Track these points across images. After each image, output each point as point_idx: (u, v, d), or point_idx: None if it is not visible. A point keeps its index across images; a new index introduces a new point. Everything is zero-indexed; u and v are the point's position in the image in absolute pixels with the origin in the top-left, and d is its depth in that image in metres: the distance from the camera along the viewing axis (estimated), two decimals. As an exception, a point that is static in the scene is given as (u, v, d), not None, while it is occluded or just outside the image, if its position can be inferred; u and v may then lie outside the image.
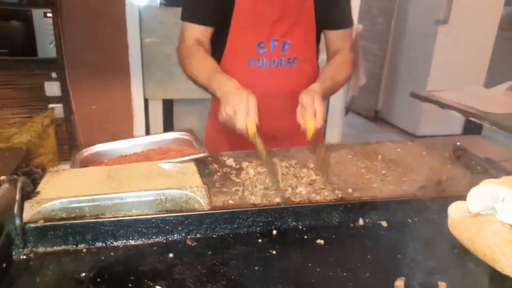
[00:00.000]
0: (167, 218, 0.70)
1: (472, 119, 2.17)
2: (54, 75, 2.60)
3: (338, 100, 3.15)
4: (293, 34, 1.37)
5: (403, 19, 4.68)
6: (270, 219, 0.75)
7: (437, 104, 2.38)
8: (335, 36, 1.48)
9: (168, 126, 3.03)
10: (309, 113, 1.10)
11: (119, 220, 0.68)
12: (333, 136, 3.23)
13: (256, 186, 1.03)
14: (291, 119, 1.37)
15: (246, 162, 1.17)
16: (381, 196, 0.99)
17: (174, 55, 2.84)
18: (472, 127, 2.31)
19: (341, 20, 1.46)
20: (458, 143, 1.42)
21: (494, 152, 1.40)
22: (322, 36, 1.51)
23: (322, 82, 1.26)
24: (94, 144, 1.30)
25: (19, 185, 0.68)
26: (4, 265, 0.60)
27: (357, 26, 3.04)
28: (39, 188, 0.97)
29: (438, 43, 4.20)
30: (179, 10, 2.83)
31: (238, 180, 1.11)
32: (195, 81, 1.35)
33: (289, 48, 1.38)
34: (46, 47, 2.54)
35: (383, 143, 1.49)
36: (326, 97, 1.32)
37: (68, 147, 2.72)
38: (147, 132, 2.90)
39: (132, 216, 0.70)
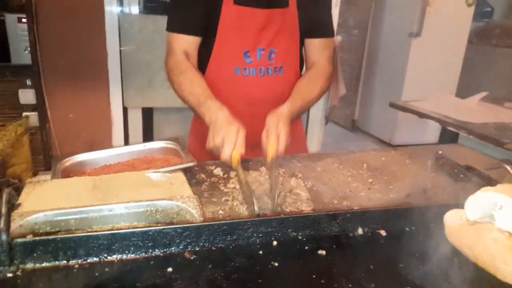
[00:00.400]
0: (165, 230, 0.67)
1: (450, 128, 2.22)
2: (29, 82, 2.50)
3: (318, 110, 3.17)
4: (279, 42, 1.37)
5: (378, 31, 4.80)
6: (270, 229, 0.73)
7: (415, 114, 2.43)
8: (314, 45, 1.46)
9: (148, 134, 2.97)
10: (272, 137, 1.09)
11: (113, 234, 0.64)
12: (313, 144, 3.24)
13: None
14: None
15: (234, 172, 1.15)
16: (370, 204, 0.99)
17: (154, 63, 2.81)
18: (447, 136, 2.37)
19: (320, 29, 1.45)
20: (440, 152, 1.45)
21: (472, 160, 1.44)
22: None
23: (292, 103, 1.25)
24: (70, 153, 1.25)
25: (4, 197, 0.63)
26: (-10, 284, 0.55)
27: (335, 38, 3.08)
28: (20, 200, 0.92)
29: (412, 54, 4.32)
30: (158, 18, 2.81)
31: (226, 189, 1.09)
32: (183, 101, 1.33)
33: (275, 57, 1.38)
34: (20, 53, 2.45)
35: (367, 151, 1.50)
36: (296, 116, 1.31)
37: (43, 156, 2.61)
38: (126, 141, 2.82)
39: (128, 229, 0.67)
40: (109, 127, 2.72)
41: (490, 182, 1.16)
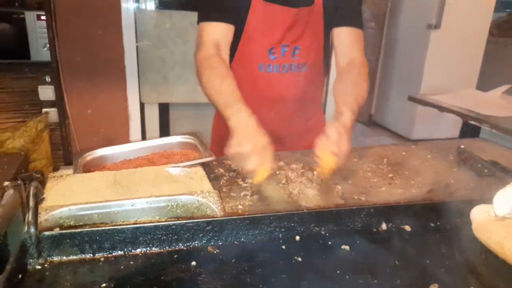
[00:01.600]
0: (188, 224, 0.67)
1: (472, 122, 2.18)
2: (48, 78, 2.54)
3: (332, 108, 3.14)
4: (303, 40, 1.36)
5: (395, 24, 4.72)
6: (292, 224, 0.72)
7: (435, 107, 2.39)
8: (344, 36, 1.39)
9: (164, 129, 2.99)
10: (330, 150, 1.00)
11: (138, 227, 0.64)
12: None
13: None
14: (298, 122, 1.35)
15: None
16: (392, 200, 0.97)
17: (170, 59, 2.82)
18: (469, 130, 2.31)
19: (350, 18, 1.37)
20: (462, 146, 1.42)
21: (496, 154, 1.40)
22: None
23: (352, 112, 1.13)
24: (91, 148, 1.26)
25: (32, 191, 0.64)
26: (20, 276, 0.56)
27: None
28: (44, 194, 0.93)
29: (431, 47, 4.23)
30: (174, 13, 2.82)
31: (245, 184, 1.09)
32: (208, 98, 1.26)
33: (299, 54, 1.37)
34: (40, 51, 2.48)
35: (387, 146, 1.48)
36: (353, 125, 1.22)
37: (63, 152, 2.65)
38: (143, 136, 2.85)
39: (152, 222, 0.67)
40: (126, 122, 2.75)
41: None
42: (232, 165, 1.17)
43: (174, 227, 0.66)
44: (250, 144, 0.98)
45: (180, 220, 0.67)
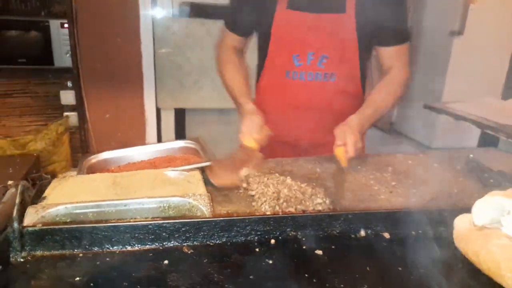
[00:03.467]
0: (164, 224, 0.69)
1: (488, 131, 2.13)
2: (69, 84, 2.65)
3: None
4: (331, 48, 1.35)
5: (417, 30, 4.64)
6: (268, 228, 0.74)
7: (451, 116, 2.35)
8: (386, 53, 1.40)
9: (180, 135, 3.05)
10: (339, 144, 1.18)
11: (115, 226, 0.68)
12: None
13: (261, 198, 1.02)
14: (324, 133, 1.32)
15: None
16: (385, 207, 0.97)
17: (186, 65, 2.89)
18: (488, 140, 2.26)
19: (391, 36, 1.37)
20: (471, 156, 1.40)
21: (508, 165, 1.37)
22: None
23: (361, 112, 1.29)
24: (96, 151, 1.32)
25: (19, 189, 0.68)
26: (1, 267, 0.60)
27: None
28: (45, 194, 0.98)
29: (453, 54, 4.14)
30: (190, 21, 2.88)
31: (241, 190, 1.10)
32: (225, 88, 1.49)
33: (326, 63, 1.36)
34: (62, 57, 2.60)
35: (394, 154, 1.47)
36: (368, 124, 1.32)
37: (81, 155, 2.75)
38: (159, 141, 2.92)
39: (129, 222, 0.70)
40: (143, 127, 2.83)
41: None
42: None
43: (151, 226, 0.69)
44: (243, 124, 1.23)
45: (156, 220, 0.70)
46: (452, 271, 0.71)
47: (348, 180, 1.19)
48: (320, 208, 0.95)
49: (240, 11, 1.45)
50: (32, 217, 0.84)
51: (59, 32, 2.58)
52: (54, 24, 2.57)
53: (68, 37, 2.53)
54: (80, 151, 2.73)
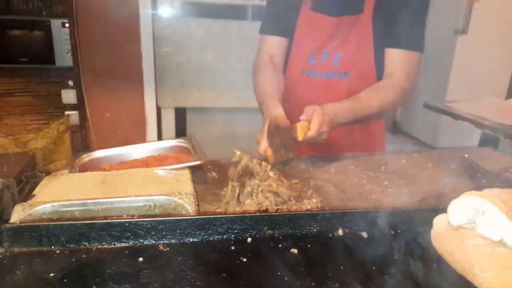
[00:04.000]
0: (141, 222, 0.70)
1: (486, 131, 2.11)
2: (70, 83, 2.68)
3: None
4: (346, 48, 1.37)
5: (421, 29, 4.61)
6: (245, 226, 0.75)
7: (450, 116, 2.33)
8: (392, 56, 1.36)
9: (181, 134, 3.07)
10: (302, 118, 1.14)
11: (92, 223, 0.69)
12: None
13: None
14: (339, 131, 1.32)
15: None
16: (365, 206, 0.98)
17: (186, 65, 2.90)
18: (489, 140, 2.24)
19: (400, 40, 1.34)
20: (466, 155, 1.39)
21: (504, 165, 1.36)
22: None
23: (340, 104, 1.26)
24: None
25: (-1, 187, 0.70)
26: (-23, 263, 0.61)
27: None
28: (35, 192, 1.00)
29: (457, 53, 4.12)
30: (190, 21, 2.90)
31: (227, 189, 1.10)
32: (257, 95, 1.47)
33: (340, 62, 1.39)
34: (64, 56, 2.63)
35: (387, 154, 1.46)
36: (341, 120, 1.28)
37: (82, 153, 2.78)
38: (159, 140, 2.94)
39: (106, 220, 0.71)
40: (143, 126, 2.85)
41: None
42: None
43: (127, 224, 0.70)
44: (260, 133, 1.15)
45: (133, 219, 0.71)
46: (427, 271, 0.71)
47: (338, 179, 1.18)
48: (309, 207, 0.95)
49: (275, 13, 1.50)
50: (19, 214, 0.85)
51: (60, 31, 2.60)
52: (55, 23, 2.60)
53: (69, 36, 2.55)
54: (81, 149, 2.76)
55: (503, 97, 3.65)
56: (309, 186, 1.11)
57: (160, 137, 2.95)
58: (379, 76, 1.42)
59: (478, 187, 1.17)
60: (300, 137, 1.13)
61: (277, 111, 1.22)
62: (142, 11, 2.66)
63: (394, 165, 1.34)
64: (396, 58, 1.36)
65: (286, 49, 1.50)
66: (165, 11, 2.81)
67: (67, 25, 2.57)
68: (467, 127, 2.26)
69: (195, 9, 2.86)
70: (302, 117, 1.16)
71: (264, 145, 1.11)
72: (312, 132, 1.13)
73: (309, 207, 0.96)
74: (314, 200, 1.00)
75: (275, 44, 1.49)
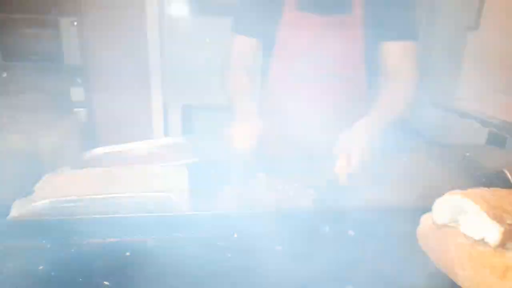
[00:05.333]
0: (130, 218, 0.73)
1: (492, 129, 2.09)
2: (79, 80, 2.73)
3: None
4: (337, 49, 1.34)
5: (431, 24, 4.56)
6: (232, 223, 0.76)
7: (457, 113, 2.32)
8: (392, 50, 1.34)
9: (187, 131, 3.10)
10: (341, 156, 1.03)
11: (82, 219, 0.71)
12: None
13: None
14: (330, 134, 1.32)
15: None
16: (356, 205, 0.98)
17: (192, 62, 2.92)
18: (496, 138, 2.22)
19: (398, 31, 1.31)
20: (468, 154, 1.38)
21: (506, 164, 1.35)
22: None
23: (371, 117, 1.18)
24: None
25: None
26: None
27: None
28: (35, 187, 1.03)
29: (468, 50, 4.06)
30: (198, 17, 2.90)
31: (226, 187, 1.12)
32: (230, 94, 1.44)
33: (332, 63, 1.36)
34: (72, 54, 2.68)
35: (389, 151, 1.46)
36: (379, 130, 1.20)
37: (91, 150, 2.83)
38: (166, 136, 2.97)
39: (95, 216, 0.73)
40: (150, 123, 2.89)
41: None
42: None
43: (116, 220, 0.72)
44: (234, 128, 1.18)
45: (121, 215, 0.73)
46: (412, 268, 0.72)
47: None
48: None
49: (249, 11, 1.41)
50: (18, 209, 0.88)
51: (69, 29, 2.65)
52: (64, 21, 2.64)
53: (77, 34, 2.60)
54: (90, 146, 2.81)
55: (514, 94, 3.59)
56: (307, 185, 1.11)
57: (166, 134, 2.99)
58: (369, 77, 1.40)
59: (476, 186, 1.16)
60: (344, 181, 1.01)
61: (249, 108, 1.26)
62: (149, 9, 2.69)
63: (394, 162, 1.34)
64: (397, 51, 1.33)
65: (261, 50, 1.44)
66: (173, 9, 2.83)
67: (75, 23, 2.61)
68: (476, 124, 2.25)
69: (202, 6, 2.88)
70: (341, 156, 1.03)
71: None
72: (354, 168, 1.02)
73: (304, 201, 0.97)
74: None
75: (248, 45, 1.42)
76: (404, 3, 1.32)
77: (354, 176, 1.02)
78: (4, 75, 2.66)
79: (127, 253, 0.69)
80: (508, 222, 0.64)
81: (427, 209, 0.82)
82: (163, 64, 2.83)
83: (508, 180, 1.18)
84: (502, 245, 0.64)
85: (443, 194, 1.09)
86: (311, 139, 1.45)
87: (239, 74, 1.41)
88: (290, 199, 1.02)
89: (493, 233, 0.64)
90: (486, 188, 0.74)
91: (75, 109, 2.76)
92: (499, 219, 0.64)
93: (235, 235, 0.76)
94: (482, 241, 0.66)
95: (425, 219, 0.79)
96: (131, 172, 1.16)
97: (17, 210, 0.88)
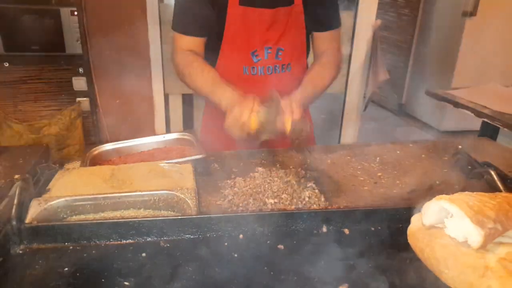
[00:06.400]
0: (143, 221, 0.79)
1: (485, 119, 2.15)
2: (81, 70, 2.76)
3: (354, 95, 3.16)
4: (285, 40, 1.42)
5: (429, 10, 4.57)
6: (237, 224, 0.83)
7: (451, 103, 2.37)
8: (322, 38, 1.51)
9: (188, 119, 3.15)
10: (287, 112, 1.15)
11: (101, 223, 0.78)
12: (348, 134, 3.24)
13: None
14: None
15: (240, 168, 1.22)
16: (369, 200, 1.05)
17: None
18: (489, 128, 2.27)
19: (327, 22, 1.49)
20: (460, 146, 1.44)
21: (496, 156, 1.41)
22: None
23: (303, 89, 1.33)
24: (117, 136, 1.41)
25: (17, 190, 0.79)
26: (1, 259, 0.71)
27: (375, 21, 3.02)
28: (50, 186, 1.09)
29: (465, 36, 4.08)
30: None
31: (230, 181, 1.18)
32: (196, 91, 1.43)
33: (282, 55, 1.43)
34: (73, 44, 2.70)
35: (383, 144, 1.52)
36: (308, 102, 1.39)
37: (94, 138, 2.89)
38: (167, 125, 3.02)
39: (112, 219, 0.80)
40: (151, 111, 2.93)
41: (505, 180, 1.13)
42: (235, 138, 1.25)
43: (131, 223, 0.79)
44: (237, 106, 1.16)
45: (136, 218, 0.80)
46: (401, 266, 0.79)
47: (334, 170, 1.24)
48: (307, 199, 1.03)
49: (190, 10, 1.37)
50: (36, 209, 0.95)
51: (70, 19, 2.66)
52: (64, 12, 2.65)
53: (78, 24, 2.62)
54: (93, 134, 2.87)
55: (510, 81, 3.64)
56: (306, 178, 1.18)
57: (167, 123, 3.03)
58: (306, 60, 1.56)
59: (468, 179, 1.23)
60: (288, 129, 1.16)
61: (238, 91, 1.25)
62: (149, -1, 2.70)
63: (388, 156, 1.40)
64: (327, 38, 1.50)
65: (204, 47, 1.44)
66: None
67: (75, 13, 2.63)
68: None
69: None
70: (287, 112, 1.17)
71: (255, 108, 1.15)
72: (296, 118, 1.17)
73: (307, 198, 1.04)
74: (309, 192, 1.08)
75: (192, 43, 1.40)
76: None
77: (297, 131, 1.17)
78: (6, 65, 2.68)
79: (143, 254, 0.76)
80: (489, 226, 0.71)
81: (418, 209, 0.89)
82: (164, 52, 2.85)
83: (495, 171, 1.23)
84: (483, 247, 0.72)
85: (435, 187, 1.17)
86: None
87: (201, 66, 1.36)
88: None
89: (475, 236, 0.71)
90: (470, 193, 0.81)
91: (78, 99, 2.80)
92: (480, 224, 0.71)
93: (241, 236, 0.83)
94: (466, 243, 0.74)
95: (414, 220, 0.86)
96: (138, 169, 1.22)
97: (34, 209, 0.95)
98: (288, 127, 1.15)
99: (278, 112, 1.16)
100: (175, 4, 1.41)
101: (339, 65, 1.52)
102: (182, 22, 1.40)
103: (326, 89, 1.47)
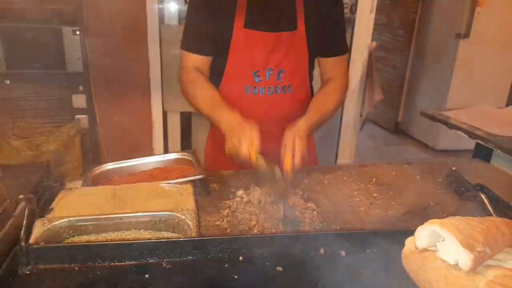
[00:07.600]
0: (146, 243, 0.82)
1: (478, 141, 2.19)
2: (81, 88, 2.80)
3: (351, 117, 3.22)
4: (287, 63, 1.47)
5: (424, 31, 4.68)
6: (237, 246, 0.86)
7: (444, 124, 2.41)
8: (328, 63, 1.56)
9: (186, 137, 3.18)
10: (287, 152, 1.19)
11: (105, 244, 0.80)
12: (345, 153, 3.28)
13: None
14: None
15: (241, 190, 1.24)
16: (365, 221, 1.08)
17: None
18: (483, 149, 2.31)
19: (332, 48, 1.54)
20: (453, 168, 1.48)
21: (489, 178, 1.44)
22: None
23: (309, 117, 1.35)
24: (115, 154, 1.44)
25: (26, 212, 0.81)
26: (10, 279, 0.73)
27: (371, 43, 3.10)
28: (52, 205, 1.11)
29: (459, 57, 4.18)
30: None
31: (230, 202, 1.21)
32: (196, 109, 1.48)
33: (283, 76, 1.48)
34: (74, 62, 2.74)
35: (380, 165, 1.55)
36: (314, 129, 1.42)
37: (92, 155, 2.91)
38: (165, 143, 3.05)
39: (116, 241, 0.82)
40: (150, 129, 2.97)
41: (497, 202, 1.17)
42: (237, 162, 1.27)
43: (135, 245, 0.81)
44: (236, 135, 1.19)
45: (139, 240, 0.82)
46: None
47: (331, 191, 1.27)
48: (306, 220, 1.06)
49: (198, 30, 1.46)
50: (40, 229, 0.97)
51: (71, 38, 2.71)
52: (66, 31, 2.71)
53: (79, 43, 2.67)
54: (91, 152, 2.89)
55: (503, 102, 3.71)
56: (304, 198, 1.20)
57: (166, 140, 3.06)
58: (311, 84, 1.59)
59: (462, 200, 1.26)
60: (290, 173, 1.17)
61: (236, 114, 1.27)
62: (149, 19, 2.76)
63: (384, 176, 1.44)
64: (332, 64, 1.56)
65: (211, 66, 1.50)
66: (171, 20, 2.91)
67: (77, 32, 2.69)
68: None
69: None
70: (287, 150, 1.20)
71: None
72: (297, 164, 1.19)
73: (306, 219, 1.06)
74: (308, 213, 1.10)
75: (199, 61, 1.47)
76: (336, 21, 1.51)
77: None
78: (7, 82, 2.72)
79: (147, 275, 0.78)
80: (478, 249, 0.75)
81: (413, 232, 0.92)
82: (163, 71, 2.90)
83: (488, 192, 1.26)
84: (473, 269, 0.75)
85: (429, 208, 1.20)
86: (267, 147, 1.56)
87: (203, 84, 1.42)
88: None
89: (465, 259, 0.74)
90: (460, 217, 0.84)
91: (77, 116, 2.83)
92: (470, 247, 0.74)
93: (241, 258, 0.85)
94: (456, 266, 0.77)
95: (408, 242, 0.89)
96: (139, 189, 1.25)
97: (38, 230, 0.97)
98: (288, 169, 1.17)
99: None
100: (185, 26, 1.49)
101: (345, 90, 1.56)
102: (189, 41, 1.48)
103: (332, 115, 1.51)
